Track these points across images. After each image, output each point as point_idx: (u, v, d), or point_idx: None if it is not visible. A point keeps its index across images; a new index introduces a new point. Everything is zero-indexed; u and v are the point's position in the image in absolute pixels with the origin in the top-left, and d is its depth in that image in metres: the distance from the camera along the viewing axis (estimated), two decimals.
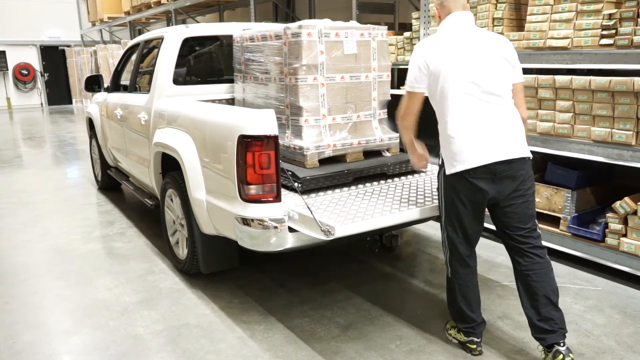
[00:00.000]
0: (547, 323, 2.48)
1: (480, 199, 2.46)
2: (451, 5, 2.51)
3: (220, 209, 3.02)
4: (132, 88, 4.82)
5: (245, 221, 2.80)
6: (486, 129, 2.40)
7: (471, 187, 2.43)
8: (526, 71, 4.01)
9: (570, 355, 2.45)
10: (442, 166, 2.55)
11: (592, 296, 3.34)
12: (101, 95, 5.67)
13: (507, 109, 2.45)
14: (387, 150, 3.59)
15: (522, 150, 2.45)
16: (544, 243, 3.94)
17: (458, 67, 2.40)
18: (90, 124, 6.12)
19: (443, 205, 2.60)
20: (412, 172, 3.52)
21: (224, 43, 4.33)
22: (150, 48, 4.69)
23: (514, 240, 2.55)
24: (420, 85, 2.50)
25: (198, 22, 12.11)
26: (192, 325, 3.07)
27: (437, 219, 4.52)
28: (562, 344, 2.46)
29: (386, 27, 3.54)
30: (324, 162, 3.30)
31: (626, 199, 3.48)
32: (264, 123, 2.73)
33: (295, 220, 2.70)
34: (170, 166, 3.67)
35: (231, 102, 4.16)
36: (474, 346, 2.68)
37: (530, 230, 2.53)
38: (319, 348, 2.80)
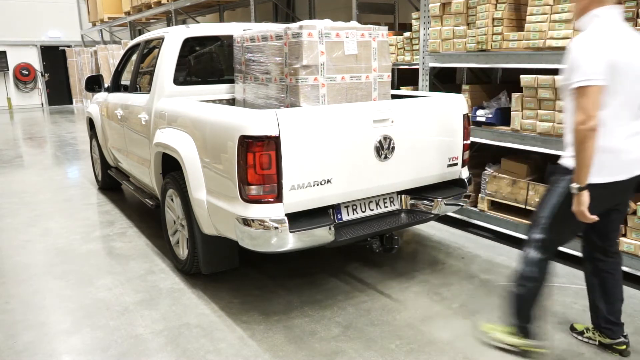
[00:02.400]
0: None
1: None
2: None
3: (221, 210, 3.03)
4: (133, 88, 4.82)
5: (246, 221, 2.81)
6: None
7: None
8: (526, 71, 4.04)
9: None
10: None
11: None
12: (101, 96, 5.68)
13: None
14: None
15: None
16: None
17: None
18: (91, 124, 6.13)
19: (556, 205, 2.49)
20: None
21: (225, 43, 4.33)
22: (151, 48, 4.69)
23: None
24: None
25: (198, 22, 12.11)
26: (192, 325, 3.07)
27: (438, 219, 4.54)
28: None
29: (386, 27, 3.54)
30: None
31: None
32: (264, 123, 2.74)
33: None
34: (170, 166, 3.68)
35: (232, 102, 4.16)
36: (539, 349, 2.67)
37: None
38: (319, 348, 2.80)
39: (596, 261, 2.69)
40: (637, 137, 2.38)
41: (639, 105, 2.36)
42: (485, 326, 2.86)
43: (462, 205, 3.62)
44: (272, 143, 2.73)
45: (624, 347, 2.70)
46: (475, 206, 4.57)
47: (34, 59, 18.54)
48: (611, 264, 2.68)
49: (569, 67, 2.31)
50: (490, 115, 4.31)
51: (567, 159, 2.42)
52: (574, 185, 2.31)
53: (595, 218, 2.33)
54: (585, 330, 2.82)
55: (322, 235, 2.90)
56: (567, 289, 3.44)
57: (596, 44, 2.23)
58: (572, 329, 2.90)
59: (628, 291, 3.41)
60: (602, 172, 2.31)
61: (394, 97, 3.65)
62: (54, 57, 18.75)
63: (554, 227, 2.49)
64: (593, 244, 2.68)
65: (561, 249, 3.85)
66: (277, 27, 3.42)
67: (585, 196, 2.30)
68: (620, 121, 2.31)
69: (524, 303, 2.60)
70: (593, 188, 2.31)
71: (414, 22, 5.19)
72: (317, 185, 2.91)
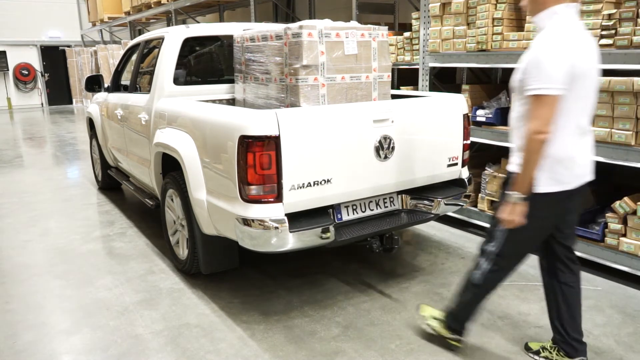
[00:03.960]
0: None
1: None
2: None
3: (221, 210, 3.03)
4: (133, 88, 4.82)
5: (246, 221, 2.81)
6: None
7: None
8: None
9: None
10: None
11: (592, 296, 3.35)
12: (101, 95, 5.68)
13: None
14: None
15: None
16: None
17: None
18: (91, 124, 6.13)
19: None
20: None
21: (225, 43, 4.33)
22: (151, 48, 4.70)
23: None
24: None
25: (198, 22, 12.11)
26: (192, 325, 3.07)
27: (438, 219, 4.54)
28: None
29: (386, 27, 3.54)
30: None
31: (626, 199, 3.48)
32: (264, 123, 2.74)
33: None
34: (170, 166, 3.68)
35: (232, 102, 4.17)
36: (458, 343, 2.72)
37: None
38: (319, 348, 2.80)
39: (558, 273, 2.53)
40: (588, 144, 2.32)
41: (591, 113, 2.30)
42: (425, 309, 2.87)
43: (462, 205, 3.62)
44: (272, 143, 2.73)
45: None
46: (475, 206, 4.57)
47: (34, 59, 18.54)
48: (572, 277, 2.53)
49: (527, 67, 2.17)
50: (490, 115, 4.31)
51: (515, 166, 2.30)
52: (515, 195, 2.22)
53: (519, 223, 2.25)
54: (541, 350, 2.65)
55: (322, 235, 2.90)
56: None
57: (560, 48, 2.11)
58: (527, 348, 2.73)
59: (628, 291, 3.41)
60: (555, 181, 2.25)
61: (394, 97, 3.65)
62: (54, 57, 18.76)
63: (509, 241, 2.38)
64: (553, 254, 2.53)
65: None
66: (277, 27, 3.42)
67: (523, 207, 2.22)
68: (575, 129, 2.23)
69: (465, 306, 2.63)
70: (546, 197, 2.25)
71: (414, 22, 5.19)
72: (317, 185, 2.91)
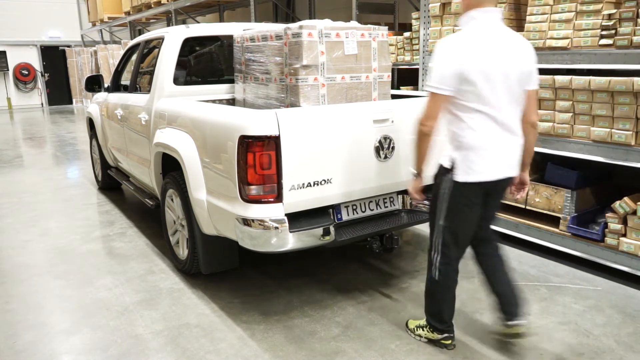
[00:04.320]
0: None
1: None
2: None
3: (221, 210, 3.03)
4: (133, 88, 4.82)
5: (246, 221, 2.81)
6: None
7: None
8: None
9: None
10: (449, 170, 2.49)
11: (592, 296, 3.35)
12: (101, 96, 5.68)
13: None
14: None
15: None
16: (544, 243, 4.00)
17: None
18: (91, 124, 6.13)
19: (445, 208, 2.55)
20: None
21: (225, 43, 4.33)
22: (151, 48, 4.70)
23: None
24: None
25: (198, 22, 12.11)
26: (192, 325, 3.07)
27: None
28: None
29: (386, 27, 3.54)
30: None
31: (625, 199, 3.48)
32: (264, 123, 2.74)
33: None
34: (170, 166, 3.68)
35: (231, 102, 4.17)
36: (450, 341, 2.76)
37: None
38: (319, 348, 2.80)
39: (484, 249, 2.77)
40: (510, 142, 2.44)
41: (516, 107, 2.42)
42: (411, 323, 2.93)
43: None
44: (272, 143, 2.73)
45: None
46: None
47: (34, 59, 18.54)
48: (495, 246, 2.79)
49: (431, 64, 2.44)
50: None
51: (444, 158, 2.51)
52: (412, 171, 2.58)
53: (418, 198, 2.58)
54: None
55: (322, 235, 2.90)
56: (567, 289, 3.44)
57: (452, 52, 2.30)
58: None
59: (628, 291, 3.41)
60: (470, 171, 2.41)
61: (394, 97, 3.65)
62: (54, 57, 18.76)
63: (447, 231, 2.56)
64: (476, 239, 2.72)
65: (562, 249, 3.86)
66: (277, 27, 3.42)
67: (418, 182, 2.56)
68: (492, 124, 2.37)
69: (437, 305, 2.72)
70: (463, 186, 2.44)
71: (414, 22, 5.19)
72: (317, 185, 2.91)
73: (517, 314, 2.73)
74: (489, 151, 2.40)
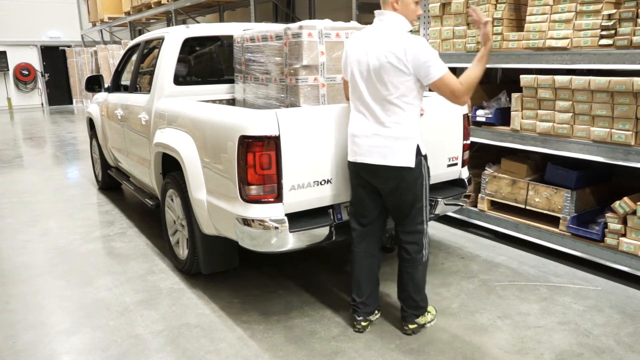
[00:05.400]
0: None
1: None
2: None
3: (221, 210, 3.03)
4: (133, 88, 4.83)
5: (246, 221, 2.81)
6: None
7: None
8: (526, 71, 4.04)
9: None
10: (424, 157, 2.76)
11: (592, 296, 3.35)
12: (102, 96, 5.68)
13: None
14: None
15: None
16: (544, 243, 4.00)
17: None
18: (91, 124, 6.13)
19: (423, 193, 2.79)
20: None
21: (225, 43, 4.34)
22: (151, 48, 4.70)
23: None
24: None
25: (198, 22, 12.11)
26: (192, 325, 3.07)
27: (438, 219, 4.54)
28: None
29: None
30: None
31: (625, 199, 3.48)
32: (264, 123, 2.74)
33: None
34: (170, 166, 3.68)
35: (232, 102, 4.17)
36: (434, 311, 3.06)
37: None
38: (319, 348, 2.80)
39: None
40: (365, 127, 2.67)
41: (374, 98, 2.63)
42: (420, 320, 2.97)
43: (462, 205, 3.62)
44: (272, 143, 2.73)
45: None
46: (475, 206, 4.57)
47: (34, 59, 18.54)
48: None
49: None
50: (490, 115, 4.32)
51: (410, 151, 2.73)
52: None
53: None
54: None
55: (322, 235, 2.91)
56: (567, 289, 3.45)
57: (347, 44, 2.81)
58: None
59: (628, 291, 3.41)
60: (348, 152, 2.79)
61: None
62: (54, 57, 18.76)
63: (424, 212, 2.86)
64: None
65: (561, 249, 3.86)
66: (277, 27, 3.42)
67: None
68: (354, 109, 2.75)
69: (424, 286, 2.93)
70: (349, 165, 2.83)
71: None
72: (317, 185, 2.92)
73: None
74: (351, 135, 2.77)
